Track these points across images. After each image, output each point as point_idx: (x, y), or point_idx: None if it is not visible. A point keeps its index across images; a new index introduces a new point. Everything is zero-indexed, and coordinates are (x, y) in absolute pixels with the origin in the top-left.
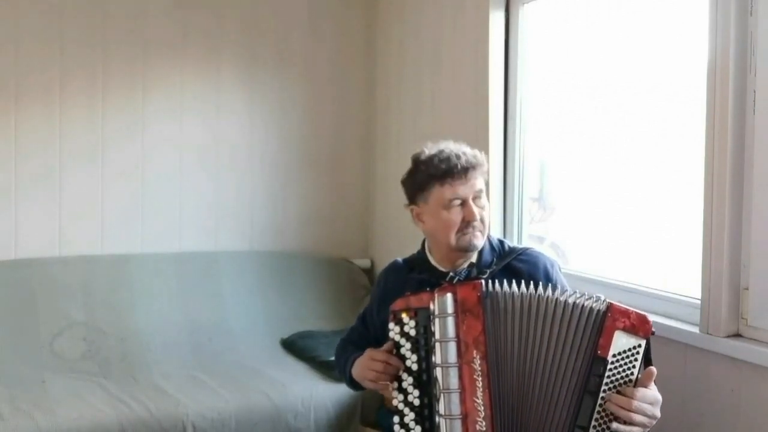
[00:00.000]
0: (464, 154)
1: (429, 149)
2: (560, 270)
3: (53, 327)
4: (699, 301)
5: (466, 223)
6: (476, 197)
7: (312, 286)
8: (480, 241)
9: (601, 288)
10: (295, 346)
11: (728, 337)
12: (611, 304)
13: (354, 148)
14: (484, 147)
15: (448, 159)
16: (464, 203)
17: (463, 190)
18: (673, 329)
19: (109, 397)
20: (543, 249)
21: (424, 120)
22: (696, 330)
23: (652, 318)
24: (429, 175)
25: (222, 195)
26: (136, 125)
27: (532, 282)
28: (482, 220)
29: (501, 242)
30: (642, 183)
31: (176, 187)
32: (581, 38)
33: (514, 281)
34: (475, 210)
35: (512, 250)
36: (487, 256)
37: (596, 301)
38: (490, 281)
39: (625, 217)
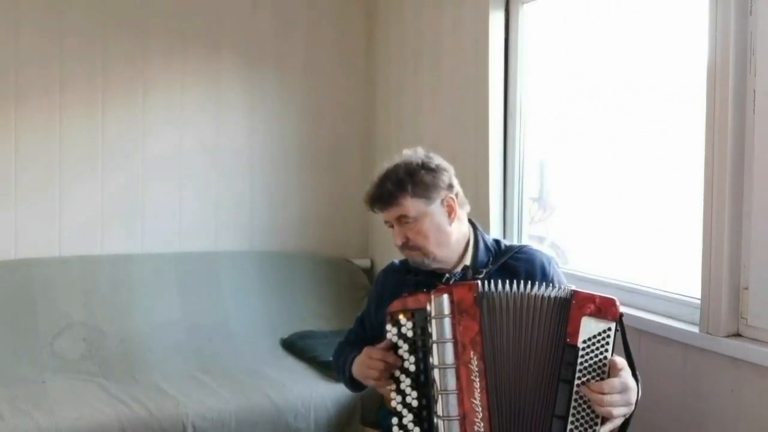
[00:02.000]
0: (386, 180)
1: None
2: (558, 266)
3: (53, 327)
4: (699, 301)
5: (400, 244)
6: (402, 222)
7: (312, 286)
8: (423, 260)
9: (602, 288)
10: (295, 346)
11: (728, 336)
12: (575, 291)
13: (354, 148)
14: (484, 147)
15: (371, 188)
16: (393, 226)
17: (385, 215)
18: (673, 329)
19: (109, 397)
20: (542, 249)
21: (424, 120)
22: (696, 330)
23: (651, 318)
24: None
25: (222, 195)
26: (136, 125)
27: (529, 280)
28: (415, 242)
29: (497, 242)
30: (642, 183)
31: (176, 186)
32: (581, 38)
33: (508, 281)
34: (397, 233)
35: (509, 248)
36: (482, 256)
37: (562, 290)
38: (486, 281)
39: (625, 217)
